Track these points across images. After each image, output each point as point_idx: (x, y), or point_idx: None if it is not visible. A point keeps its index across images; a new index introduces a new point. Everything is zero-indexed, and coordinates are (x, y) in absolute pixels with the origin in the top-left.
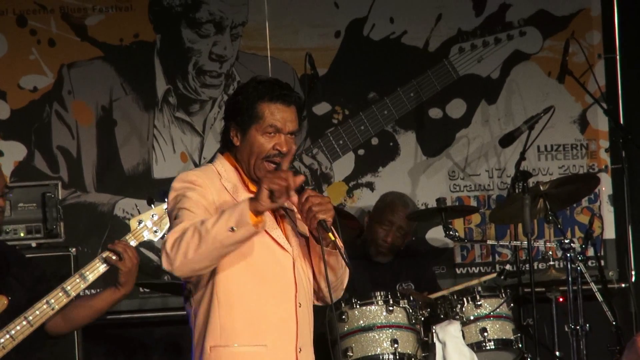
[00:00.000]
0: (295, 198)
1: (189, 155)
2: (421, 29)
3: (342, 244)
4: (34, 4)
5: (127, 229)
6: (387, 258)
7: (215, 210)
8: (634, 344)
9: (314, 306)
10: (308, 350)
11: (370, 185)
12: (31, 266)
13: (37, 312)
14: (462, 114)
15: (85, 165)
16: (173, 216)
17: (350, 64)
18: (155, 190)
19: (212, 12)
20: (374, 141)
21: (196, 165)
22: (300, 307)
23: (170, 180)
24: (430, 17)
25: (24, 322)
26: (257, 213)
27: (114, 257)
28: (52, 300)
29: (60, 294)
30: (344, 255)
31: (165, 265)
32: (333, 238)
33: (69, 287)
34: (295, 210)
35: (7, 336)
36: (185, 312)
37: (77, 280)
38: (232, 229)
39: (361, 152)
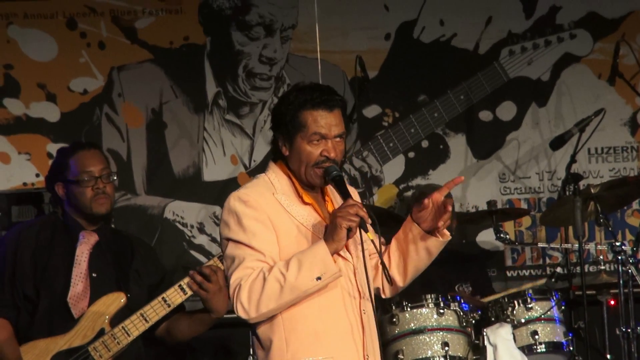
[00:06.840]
0: None
1: (239, 158)
2: (471, 31)
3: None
4: (84, 7)
5: (176, 232)
6: None
7: (272, 235)
8: None
9: None
10: (375, 356)
11: None
12: (155, 263)
13: (153, 309)
14: (512, 117)
15: (135, 167)
16: (227, 245)
17: (400, 67)
18: (205, 193)
19: (262, 14)
20: (424, 144)
21: (246, 168)
22: (364, 314)
23: (220, 184)
24: (480, 19)
25: (140, 318)
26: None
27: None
28: (168, 297)
29: (176, 291)
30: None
31: (240, 314)
32: (371, 237)
33: (185, 285)
34: None
35: (123, 331)
36: (234, 315)
37: None
38: (319, 278)
39: (411, 154)
